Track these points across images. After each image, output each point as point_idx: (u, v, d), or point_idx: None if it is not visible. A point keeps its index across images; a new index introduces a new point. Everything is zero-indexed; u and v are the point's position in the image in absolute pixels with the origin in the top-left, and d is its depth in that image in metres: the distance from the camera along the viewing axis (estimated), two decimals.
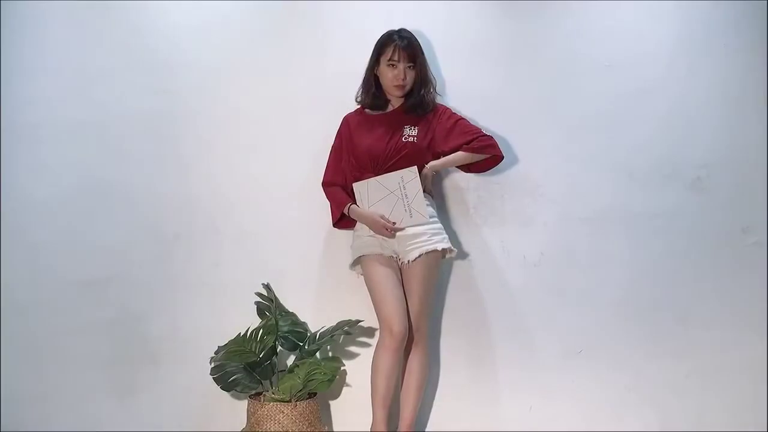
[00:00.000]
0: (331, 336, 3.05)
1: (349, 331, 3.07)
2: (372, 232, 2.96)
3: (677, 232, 3.22)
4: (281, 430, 2.90)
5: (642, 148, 3.24)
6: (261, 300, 3.13)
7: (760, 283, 3.20)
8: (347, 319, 3.08)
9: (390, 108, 3.06)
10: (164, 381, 3.20)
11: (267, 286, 3.17)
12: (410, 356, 3.00)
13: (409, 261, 2.92)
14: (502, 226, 3.23)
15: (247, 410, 3.00)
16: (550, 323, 3.20)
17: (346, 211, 3.00)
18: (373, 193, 2.95)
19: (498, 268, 3.22)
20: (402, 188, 2.92)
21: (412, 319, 2.95)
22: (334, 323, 3.09)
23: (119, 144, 3.25)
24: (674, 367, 3.18)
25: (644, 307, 3.20)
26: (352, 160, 3.02)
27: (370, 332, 3.19)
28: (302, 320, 3.18)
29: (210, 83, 3.26)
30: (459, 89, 3.23)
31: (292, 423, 2.91)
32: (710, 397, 3.17)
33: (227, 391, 3.03)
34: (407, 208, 2.92)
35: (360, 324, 3.11)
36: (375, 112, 3.07)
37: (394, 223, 2.92)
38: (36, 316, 3.21)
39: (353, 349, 3.22)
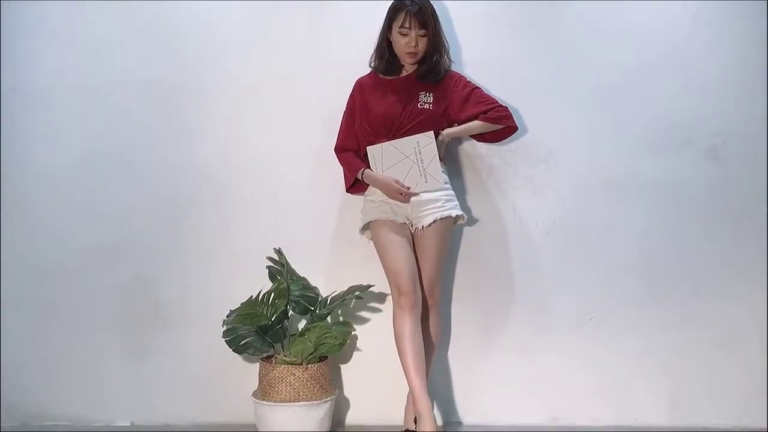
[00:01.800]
0: (342, 300, 3.06)
1: (360, 295, 3.07)
2: (384, 197, 2.95)
3: (691, 200, 3.21)
4: (292, 392, 2.92)
5: (657, 115, 3.21)
6: (272, 264, 3.14)
7: None
8: (358, 284, 3.09)
9: (404, 73, 3.04)
10: (177, 344, 3.23)
11: (278, 251, 3.17)
12: (424, 322, 2.98)
13: (423, 227, 2.92)
14: (515, 193, 3.22)
15: (259, 373, 3.03)
16: (561, 290, 3.21)
17: (359, 175, 2.99)
18: (387, 158, 2.93)
19: (510, 235, 3.22)
20: (418, 153, 2.91)
21: (425, 285, 2.95)
22: (345, 288, 3.10)
23: (130, 111, 3.26)
24: (685, 334, 3.19)
25: (656, 276, 3.20)
26: (366, 126, 3.00)
27: (381, 297, 3.20)
28: (313, 285, 3.19)
29: (221, 50, 3.25)
30: (474, 57, 3.21)
31: (303, 385, 2.94)
32: (721, 364, 3.18)
33: (239, 353, 3.06)
34: (422, 173, 2.91)
35: (371, 289, 3.11)
36: (389, 77, 3.04)
37: (409, 188, 2.91)
38: (48, 281, 3.25)
39: (364, 314, 3.24)
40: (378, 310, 3.23)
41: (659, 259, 3.21)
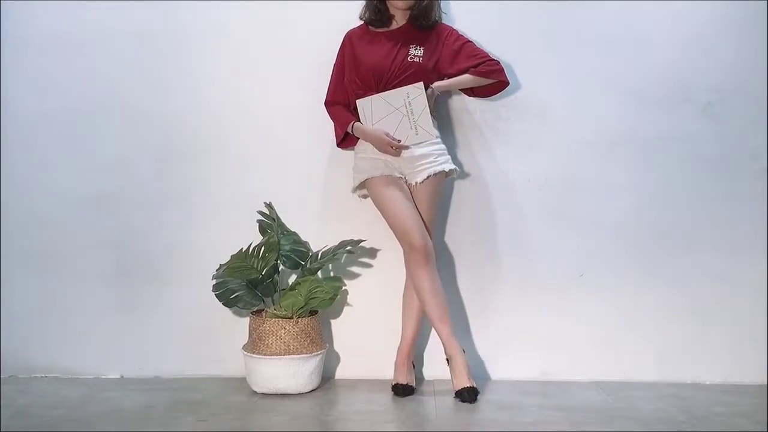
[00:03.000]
0: (333, 255, 3.04)
1: (351, 250, 3.06)
2: (376, 152, 2.92)
3: (686, 157, 3.18)
4: (283, 345, 2.93)
5: (653, 71, 3.17)
6: (263, 218, 3.12)
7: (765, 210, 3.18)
8: (349, 239, 3.08)
9: (394, 25, 2.99)
10: (167, 297, 3.23)
11: (269, 205, 3.15)
12: None
13: (417, 182, 2.90)
14: (507, 149, 3.19)
15: (249, 326, 3.03)
16: (552, 246, 3.20)
17: (350, 129, 2.96)
18: (377, 110, 2.89)
19: (501, 191, 3.20)
20: (407, 105, 2.87)
21: None
22: (336, 243, 3.08)
23: (119, 62, 3.23)
24: (675, 290, 3.19)
25: (649, 232, 3.19)
26: (355, 79, 2.96)
27: (372, 252, 3.20)
28: (304, 240, 3.18)
29: (211, 1, 3.20)
30: (465, 10, 3.15)
31: (294, 339, 2.94)
32: (710, 320, 3.19)
33: (229, 307, 3.06)
34: (413, 126, 2.87)
35: (362, 244, 3.11)
36: (379, 29, 2.99)
37: (399, 141, 2.88)
38: (37, 234, 3.24)
39: (355, 269, 3.23)
40: (369, 266, 3.22)
41: (651, 216, 3.19)
